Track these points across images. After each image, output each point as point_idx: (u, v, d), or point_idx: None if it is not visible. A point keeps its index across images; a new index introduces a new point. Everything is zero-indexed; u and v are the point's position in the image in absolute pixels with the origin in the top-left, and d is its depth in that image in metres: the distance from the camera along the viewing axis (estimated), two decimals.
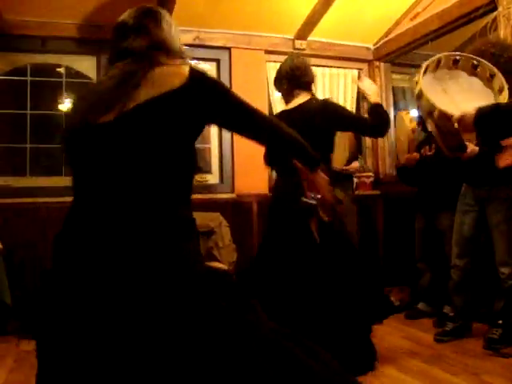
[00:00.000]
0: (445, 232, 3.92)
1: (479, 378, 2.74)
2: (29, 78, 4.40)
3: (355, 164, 4.51)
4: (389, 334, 3.72)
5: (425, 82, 2.48)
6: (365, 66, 5.35)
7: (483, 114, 2.28)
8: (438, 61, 2.60)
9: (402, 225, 4.68)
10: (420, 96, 2.44)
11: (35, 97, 4.45)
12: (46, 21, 4.22)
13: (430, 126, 2.66)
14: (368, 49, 5.27)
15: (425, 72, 2.51)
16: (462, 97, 2.55)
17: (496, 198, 3.28)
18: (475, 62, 2.62)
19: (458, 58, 2.65)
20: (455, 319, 3.52)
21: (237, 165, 4.70)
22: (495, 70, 2.56)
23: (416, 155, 3.99)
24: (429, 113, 2.43)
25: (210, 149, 4.83)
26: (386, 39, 5.07)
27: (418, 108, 3.15)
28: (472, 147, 3.12)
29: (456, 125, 2.36)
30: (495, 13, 3.72)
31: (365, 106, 5.34)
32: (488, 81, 2.60)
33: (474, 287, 3.51)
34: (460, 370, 2.88)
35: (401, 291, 4.49)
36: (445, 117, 2.36)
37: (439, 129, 2.55)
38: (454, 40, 4.88)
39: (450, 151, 2.79)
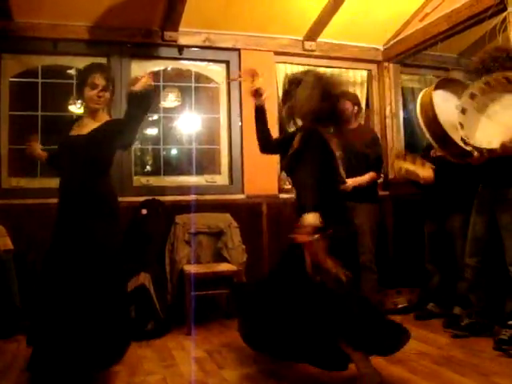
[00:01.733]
0: (454, 234, 3.92)
1: (489, 380, 2.73)
2: (40, 80, 4.44)
3: (366, 176, 4.24)
4: None
5: (469, 121, 2.55)
6: (374, 67, 5.35)
7: None
8: (471, 95, 2.64)
9: (411, 226, 4.67)
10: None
11: (46, 98, 4.49)
12: (57, 23, 4.26)
13: (431, 139, 2.70)
14: (377, 50, 5.27)
15: (463, 112, 2.57)
16: (507, 115, 2.59)
17: (505, 198, 3.28)
18: (505, 76, 2.66)
19: (487, 81, 2.68)
20: (471, 316, 3.52)
21: (246, 166, 4.71)
22: None
23: (431, 176, 3.90)
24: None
25: (219, 150, 4.86)
26: (396, 40, 5.06)
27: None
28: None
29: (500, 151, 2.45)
30: (505, 13, 3.72)
31: (374, 106, 5.35)
32: None
33: (487, 286, 3.51)
34: (469, 371, 2.87)
35: (410, 292, 4.49)
36: (492, 152, 2.44)
37: (437, 139, 2.61)
38: (464, 41, 4.88)
39: (455, 158, 2.81)
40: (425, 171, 3.86)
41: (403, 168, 3.93)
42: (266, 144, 3.19)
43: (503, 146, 2.37)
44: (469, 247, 3.53)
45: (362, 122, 5.01)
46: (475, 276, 3.48)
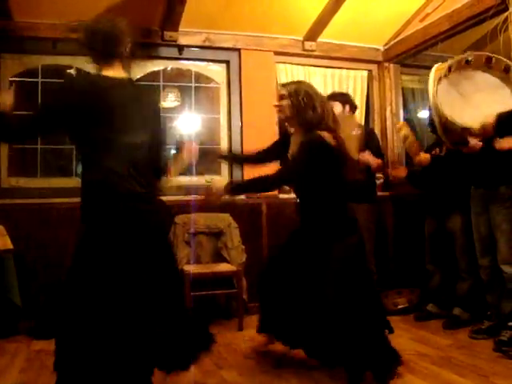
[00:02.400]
0: (454, 234, 3.92)
1: (488, 381, 2.73)
2: (40, 80, 4.44)
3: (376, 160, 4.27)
4: (398, 335, 3.69)
5: (440, 92, 2.51)
6: (374, 68, 5.34)
7: (502, 121, 2.33)
8: (449, 68, 2.62)
9: (411, 226, 4.67)
10: (438, 112, 2.48)
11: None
12: (56, 23, 4.25)
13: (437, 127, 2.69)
14: (378, 50, 5.26)
15: (439, 81, 2.54)
16: (479, 97, 2.59)
17: (498, 198, 3.30)
18: (486, 58, 2.64)
19: (469, 58, 2.66)
20: (491, 318, 3.51)
21: (246, 166, 4.69)
22: (510, 63, 2.58)
23: (426, 158, 3.96)
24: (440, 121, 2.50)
25: (219, 150, 4.84)
26: (396, 40, 5.06)
27: (431, 114, 3.28)
28: (475, 141, 3.12)
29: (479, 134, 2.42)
30: (506, 13, 3.70)
31: (375, 106, 5.33)
32: (503, 74, 2.62)
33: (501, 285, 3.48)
34: (469, 372, 2.87)
35: (410, 293, 4.48)
36: (466, 131, 2.42)
37: (444, 128, 2.58)
38: (464, 41, 4.86)
39: (452, 145, 2.81)
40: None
41: (408, 136, 3.97)
42: (260, 160, 3.34)
43: (482, 127, 2.37)
44: (478, 248, 3.54)
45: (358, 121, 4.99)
46: (491, 275, 3.49)
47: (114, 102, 2.29)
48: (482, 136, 2.58)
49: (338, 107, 4.29)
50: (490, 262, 3.48)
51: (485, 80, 2.69)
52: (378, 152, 4.40)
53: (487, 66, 2.67)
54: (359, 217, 4.16)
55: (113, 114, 2.26)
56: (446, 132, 2.83)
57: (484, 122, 2.34)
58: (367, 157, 4.09)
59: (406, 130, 4.01)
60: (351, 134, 3.92)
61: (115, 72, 2.41)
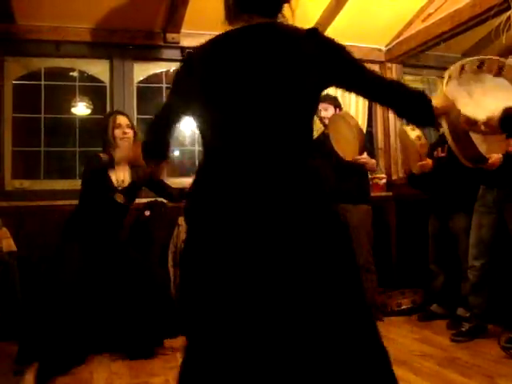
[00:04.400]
0: (458, 234, 3.90)
1: (493, 382, 2.71)
2: (43, 82, 4.45)
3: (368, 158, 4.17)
4: (402, 336, 3.70)
5: (448, 90, 2.49)
6: (377, 68, 5.33)
7: (508, 114, 2.29)
8: (462, 67, 2.60)
9: (414, 226, 4.66)
10: None
11: (49, 100, 4.50)
12: (59, 25, 4.27)
13: (449, 141, 2.66)
14: (380, 50, 5.25)
15: (448, 80, 2.52)
16: (488, 99, 2.56)
17: None
18: (500, 64, 2.62)
19: (482, 61, 2.65)
20: (471, 320, 3.50)
21: None
22: None
23: (429, 163, 3.91)
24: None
25: None
26: (398, 40, 5.05)
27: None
28: (495, 156, 3.07)
29: (483, 127, 2.37)
30: (508, 12, 3.69)
31: (377, 107, 5.33)
32: None
33: (491, 288, 3.48)
34: (474, 372, 2.85)
35: (414, 293, 4.47)
36: (470, 122, 2.38)
37: (457, 141, 2.56)
38: (467, 41, 4.86)
39: (470, 163, 2.79)
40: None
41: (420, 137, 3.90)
42: None
43: (488, 120, 2.35)
44: (475, 249, 3.49)
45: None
46: (480, 277, 3.45)
47: None
48: (488, 131, 2.54)
49: (330, 110, 4.26)
50: (483, 265, 3.44)
51: (496, 84, 2.66)
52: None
53: (499, 72, 2.65)
54: (357, 219, 4.18)
55: None
56: (460, 147, 2.79)
57: (489, 116, 2.30)
58: (365, 157, 4.04)
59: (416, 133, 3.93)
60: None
61: None
